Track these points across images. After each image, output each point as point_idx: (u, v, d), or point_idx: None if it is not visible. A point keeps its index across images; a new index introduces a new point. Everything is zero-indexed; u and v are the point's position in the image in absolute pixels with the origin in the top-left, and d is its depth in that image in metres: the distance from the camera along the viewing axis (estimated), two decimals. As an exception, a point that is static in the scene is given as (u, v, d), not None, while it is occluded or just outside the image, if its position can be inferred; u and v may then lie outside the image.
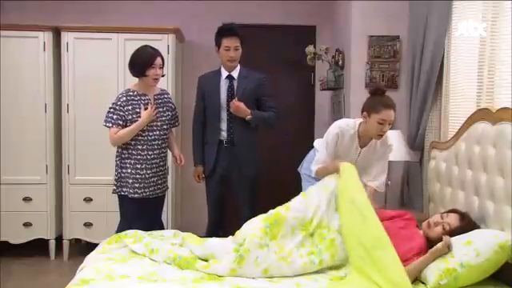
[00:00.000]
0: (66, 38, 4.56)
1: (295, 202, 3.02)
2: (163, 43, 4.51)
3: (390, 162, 4.04)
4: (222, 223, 3.94)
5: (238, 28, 3.80)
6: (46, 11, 5.06)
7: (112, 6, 5.16)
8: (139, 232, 3.03)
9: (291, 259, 2.75)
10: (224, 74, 3.86)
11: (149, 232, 3.11)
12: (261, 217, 2.94)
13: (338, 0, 4.97)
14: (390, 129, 4.15)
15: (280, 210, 2.96)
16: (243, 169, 3.83)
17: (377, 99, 3.10)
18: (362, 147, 3.24)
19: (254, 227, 2.86)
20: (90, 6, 5.13)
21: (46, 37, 4.55)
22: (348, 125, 3.24)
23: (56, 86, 4.64)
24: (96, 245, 3.21)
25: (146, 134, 3.49)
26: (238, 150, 3.81)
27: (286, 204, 3.02)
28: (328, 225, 2.87)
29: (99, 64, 4.55)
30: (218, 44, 3.79)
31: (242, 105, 3.70)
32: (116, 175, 3.53)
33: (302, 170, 3.57)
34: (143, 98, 3.51)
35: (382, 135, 3.13)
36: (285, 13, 5.27)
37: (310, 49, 4.80)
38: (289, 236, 2.86)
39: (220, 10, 5.19)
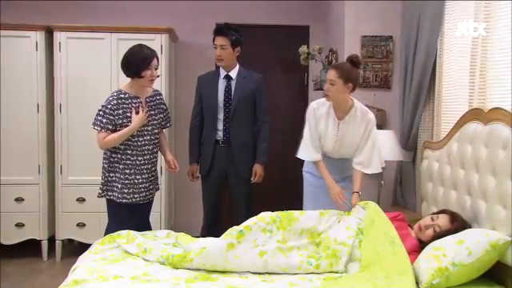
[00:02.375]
0: (59, 37, 4.53)
1: (311, 212, 3.07)
2: (156, 43, 4.49)
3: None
4: (218, 224, 3.92)
5: (229, 28, 3.79)
6: (38, 11, 5.04)
7: (105, 5, 5.15)
8: (132, 232, 3.01)
9: (290, 254, 2.79)
10: (222, 73, 3.86)
11: (142, 232, 3.10)
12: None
13: (332, 0, 4.98)
14: (381, 128, 4.20)
15: (294, 211, 3.02)
16: (239, 169, 3.84)
17: None
18: (339, 119, 3.26)
19: (263, 214, 2.96)
20: (83, 6, 5.11)
21: (39, 36, 4.52)
22: (323, 99, 3.33)
23: (48, 86, 4.62)
24: (89, 245, 3.18)
25: (136, 139, 3.36)
26: (234, 151, 3.82)
27: (302, 211, 3.10)
28: (335, 238, 2.88)
29: (92, 64, 4.53)
30: (213, 43, 3.83)
31: (259, 171, 3.82)
32: (103, 178, 3.42)
33: (304, 169, 3.60)
34: (134, 101, 3.37)
35: (326, 94, 3.19)
36: (278, 13, 5.28)
37: (303, 49, 4.81)
38: (296, 235, 2.90)
39: (213, 10, 5.19)
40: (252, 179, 3.84)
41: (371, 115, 3.28)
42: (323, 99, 3.33)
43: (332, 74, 3.14)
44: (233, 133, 3.81)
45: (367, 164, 3.28)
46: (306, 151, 3.36)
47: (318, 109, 3.30)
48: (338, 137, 3.28)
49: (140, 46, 3.41)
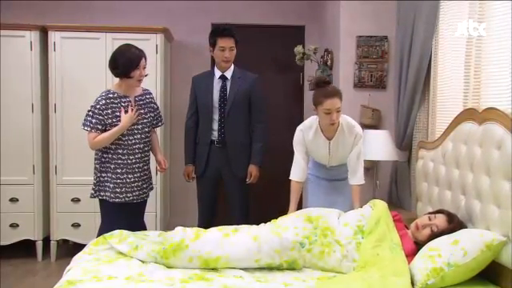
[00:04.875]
0: (53, 37, 4.52)
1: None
2: (151, 43, 4.49)
3: (378, 162, 4.08)
4: (213, 224, 3.90)
5: (234, 28, 3.79)
6: (33, 10, 5.02)
7: (100, 5, 5.13)
8: (124, 232, 2.99)
9: (285, 235, 2.80)
10: (217, 74, 3.85)
11: (134, 232, 3.08)
12: None
13: (327, 0, 4.98)
14: (376, 128, 4.21)
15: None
16: (234, 169, 3.83)
17: (319, 91, 3.16)
18: (329, 139, 3.29)
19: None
20: (78, 5, 5.09)
21: (33, 36, 4.50)
22: (310, 121, 3.36)
23: (43, 86, 4.60)
24: (84, 245, 3.18)
25: (127, 138, 3.36)
26: (229, 151, 3.81)
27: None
28: (333, 228, 2.88)
29: (87, 64, 4.51)
30: (213, 44, 3.78)
31: (254, 171, 3.83)
32: (95, 179, 3.42)
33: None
34: (123, 101, 3.37)
35: (333, 123, 3.18)
36: (273, 13, 5.28)
37: (298, 49, 4.80)
38: (292, 218, 2.97)
39: (208, 10, 5.19)
40: (247, 180, 3.84)
41: (358, 129, 3.31)
42: (307, 122, 3.36)
43: (338, 102, 3.11)
44: (228, 133, 3.81)
45: (351, 176, 3.32)
46: (294, 172, 3.40)
47: (306, 133, 3.33)
48: (331, 154, 3.34)
49: (128, 45, 3.41)
